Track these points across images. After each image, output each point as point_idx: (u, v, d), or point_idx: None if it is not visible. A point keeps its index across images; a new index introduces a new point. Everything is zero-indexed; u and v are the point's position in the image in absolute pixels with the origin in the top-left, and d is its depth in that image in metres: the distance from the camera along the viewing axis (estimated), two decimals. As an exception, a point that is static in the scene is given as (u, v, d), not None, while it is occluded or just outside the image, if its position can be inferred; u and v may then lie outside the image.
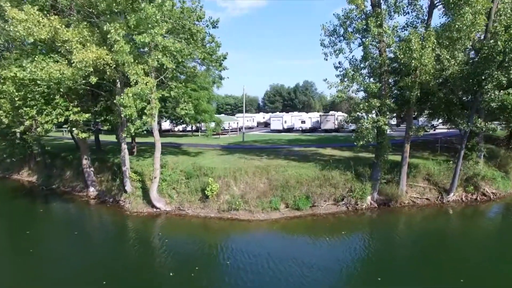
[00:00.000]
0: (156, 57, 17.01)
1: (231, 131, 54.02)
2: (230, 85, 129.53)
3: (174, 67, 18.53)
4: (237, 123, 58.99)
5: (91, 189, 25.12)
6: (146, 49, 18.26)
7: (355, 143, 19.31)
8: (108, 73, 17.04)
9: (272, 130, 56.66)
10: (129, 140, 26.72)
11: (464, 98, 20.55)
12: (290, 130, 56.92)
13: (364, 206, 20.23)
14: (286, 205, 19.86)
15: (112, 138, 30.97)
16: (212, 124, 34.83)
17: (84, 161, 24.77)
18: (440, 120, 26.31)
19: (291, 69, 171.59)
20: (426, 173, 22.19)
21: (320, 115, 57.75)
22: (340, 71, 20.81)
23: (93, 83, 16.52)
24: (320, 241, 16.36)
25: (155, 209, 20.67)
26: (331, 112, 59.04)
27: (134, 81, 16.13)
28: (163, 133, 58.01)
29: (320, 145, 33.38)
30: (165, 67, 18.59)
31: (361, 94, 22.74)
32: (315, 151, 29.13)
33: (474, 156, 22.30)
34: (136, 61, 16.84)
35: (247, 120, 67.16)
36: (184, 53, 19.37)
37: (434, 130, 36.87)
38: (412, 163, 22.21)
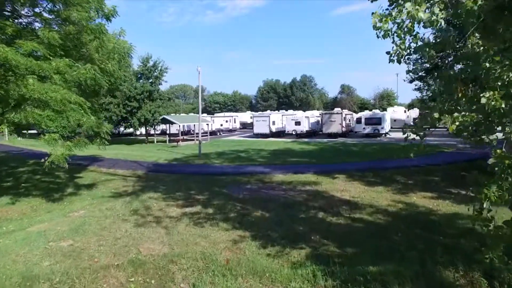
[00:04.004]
0: None
1: (197, 136, 38.54)
2: (223, 83, 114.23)
3: None
4: (210, 124, 43.54)
5: None
6: None
7: (485, 204, 3.79)
8: None
9: (256, 135, 40.89)
10: None
11: None
12: (280, 134, 41.33)
13: None
14: None
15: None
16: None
17: None
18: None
19: (289, 68, 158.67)
20: None
21: (321, 114, 41.86)
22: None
23: None
24: None
25: None
26: (336, 110, 42.09)
27: None
28: (118, 137, 43.23)
29: (323, 166, 17.94)
30: None
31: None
32: (314, 187, 13.68)
33: None
34: None
35: (226, 121, 51.68)
36: None
37: None
38: None
